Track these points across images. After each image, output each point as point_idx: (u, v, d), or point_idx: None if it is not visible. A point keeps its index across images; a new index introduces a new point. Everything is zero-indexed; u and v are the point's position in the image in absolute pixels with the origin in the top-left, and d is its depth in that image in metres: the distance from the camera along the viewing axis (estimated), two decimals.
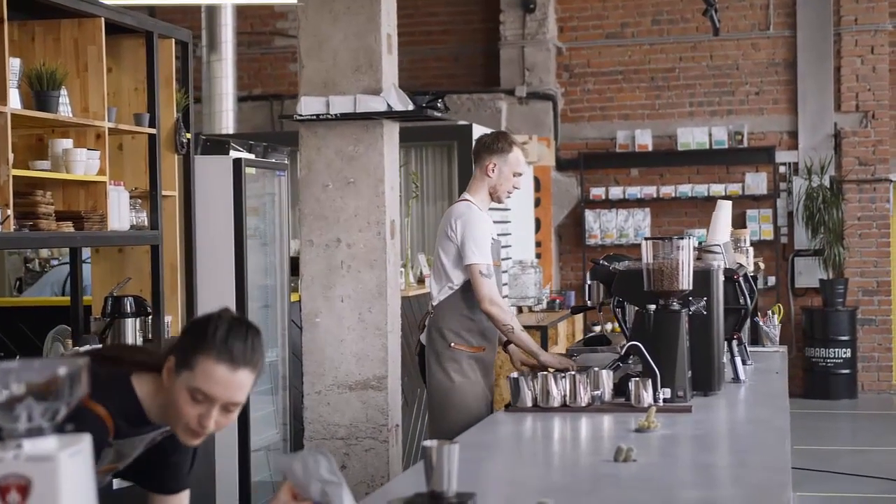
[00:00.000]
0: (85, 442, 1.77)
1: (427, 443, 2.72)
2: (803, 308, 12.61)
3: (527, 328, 8.95)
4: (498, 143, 5.31)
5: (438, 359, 5.22)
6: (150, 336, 5.57)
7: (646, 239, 4.44)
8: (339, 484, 2.50)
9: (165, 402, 2.66)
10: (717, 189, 12.57)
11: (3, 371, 1.74)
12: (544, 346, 8.80)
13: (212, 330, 2.59)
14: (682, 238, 4.40)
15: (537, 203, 12.37)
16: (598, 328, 11.90)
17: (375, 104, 5.78)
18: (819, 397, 12.22)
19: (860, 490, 8.30)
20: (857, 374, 12.41)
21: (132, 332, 5.37)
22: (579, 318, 11.12)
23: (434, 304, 5.30)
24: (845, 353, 12.26)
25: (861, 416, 11.76)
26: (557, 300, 10.83)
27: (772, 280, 12.55)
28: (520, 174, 5.34)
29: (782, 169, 12.74)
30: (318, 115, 5.79)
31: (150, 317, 5.53)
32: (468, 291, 5.16)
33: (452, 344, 5.19)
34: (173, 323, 5.82)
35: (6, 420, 1.74)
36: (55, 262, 8.50)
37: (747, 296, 4.99)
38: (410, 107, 5.84)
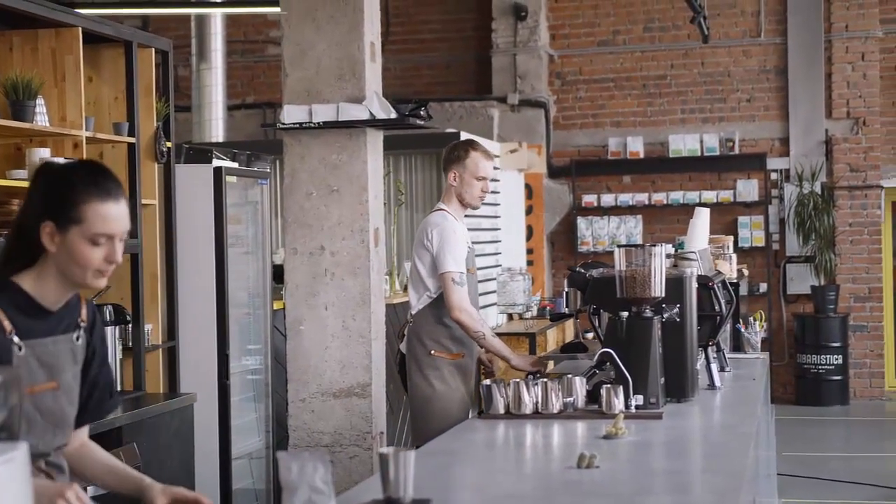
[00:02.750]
0: (20, 450, 1.79)
1: (383, 450, 2.74)
2: (795, 314, 12.61)
3: (515, 335, 9.03)
4: (454, 151, 5.41)
5: (419, 366, 5.28)
6: (129, 344, 5.58)
7: (619, 246, 4.46)
8: (327, 496, 2.51)
9: (57, 270, 2.69)
10: (709, 196, 12.59)
11: None
12: (532, 353, 8.81)
13: (79, 179, 2.68)
14: (654, 245, 4.41)
15: (529, 210, 12.39)
16: (590, 335, 11.90)
17: (358, 112, 5.80)
18: (811, 404, 12.22)
19: (849, 496, 8.30)
20: (848, 380, 12.41)
21: (112, 340, 5.38)
22: (570, 325, 11.11)
23: (413, 312, 5.38)
24: (837, 359, 12.26)
25: (853, 423, 11.76)
26: (548, 307, 10.83)
27: (763, 287, 12.56)
28: (483, 178, 5.36)
29: (774, 176, 12.75)
30: (301, 124, 5.82)
31: (129, 325, 5.54)
32: None
33: (432, 351, 5.26)
34: (153, 331, 5.84)
35: None
36: None
37: (723, 303, 4.99)
38: (393, 115, 5.86)
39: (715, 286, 4.96)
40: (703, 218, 5.56)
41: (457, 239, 5.21)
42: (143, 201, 5.70)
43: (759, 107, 12.83)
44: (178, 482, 2.93)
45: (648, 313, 4.40)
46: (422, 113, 6.18)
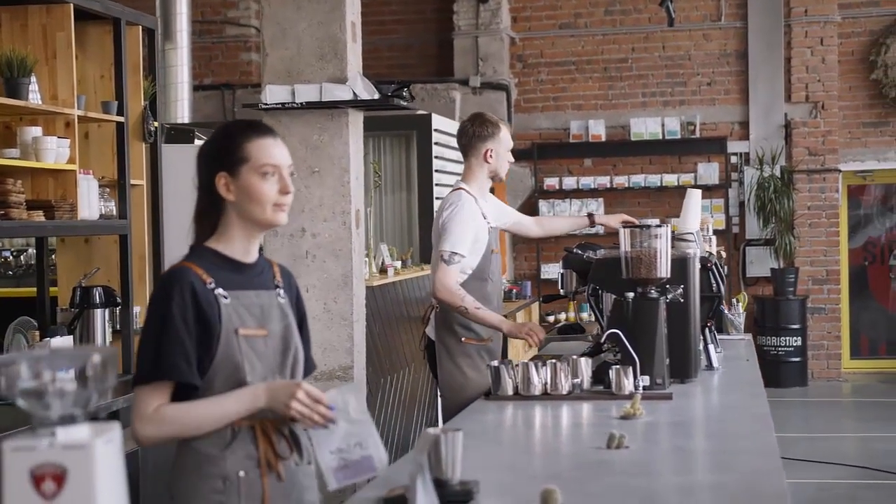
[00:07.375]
0: (115, 430, 1.75)
1: (431, 430, 2.71)
2: (755, 297, 12.73)
3: None
4: (487, 128, 5.32)
5: (450, 354, 5.14)
6: (118, 327, 5.50)
7: (624, 226, 4.45)
8: (366, 424, 2.51)
9: (238, 219, 2.84)
10: (670, 179, 12.66)
11: (34, 359, 1.71)
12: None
13: (234, 129, 2.89)
14: (659, 226, 4.41)
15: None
16: (562, 316, 11.95)
17: (341, 93, 5.75)
18: (770, 385, 12.19)
19: (812, 476, 8.41)
20: (807, 361, 12.56)
21: (101, 322, 5.30)
22: (535, 307, 11.15)
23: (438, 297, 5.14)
24: (796, 341, 12.40)
25: (811, 404, 11.90)
26: (514, 290, 10.85)
27: (724, 269, 12.64)
28: (510, 147, 5.41)
29: (734, 159, 12.85)
30: (283, 104, 5.76)
31: (119, 307, 5.46)
32: (473, 283, 5.10)
33: (463, 339, 5.13)
34: (142, 313, 5.75)
35: (38, 408, 1.71)
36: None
37: (720, 283, 5.02)
38: (376, 95, 5.82)
39: (713, 266, 4.99)
40: (695, 199, 5.57)
41: (467, 219, 5.09)
42: (132, 182, 5.61)
43: (719, 90, 12.92)
44: (169, 461, 2.90)
45: (654, 294, 4.40)
46: (404, 94, 6.15)
